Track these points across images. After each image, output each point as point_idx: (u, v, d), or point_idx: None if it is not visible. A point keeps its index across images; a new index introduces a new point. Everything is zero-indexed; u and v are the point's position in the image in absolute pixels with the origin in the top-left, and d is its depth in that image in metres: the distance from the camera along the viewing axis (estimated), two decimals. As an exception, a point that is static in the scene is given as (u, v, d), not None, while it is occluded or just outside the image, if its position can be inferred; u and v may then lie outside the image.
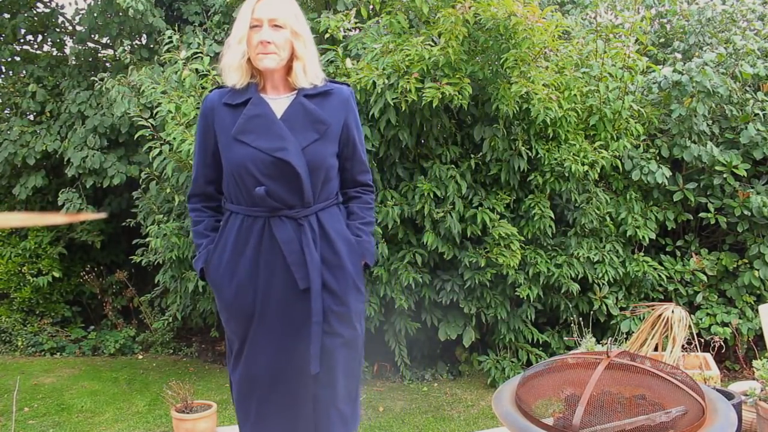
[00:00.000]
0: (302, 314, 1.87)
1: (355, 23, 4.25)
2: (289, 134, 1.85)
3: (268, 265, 1.87)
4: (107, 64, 6.36)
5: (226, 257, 1.90)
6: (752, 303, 4.24)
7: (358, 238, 1.98)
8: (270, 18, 1.82)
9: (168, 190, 4.57)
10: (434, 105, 3.68)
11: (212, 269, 1.93)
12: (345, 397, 1.95)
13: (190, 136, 3.94)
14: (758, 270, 4.22)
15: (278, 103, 1.90)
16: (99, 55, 6.51)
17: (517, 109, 3.88)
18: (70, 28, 6.66)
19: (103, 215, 1.78)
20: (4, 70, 6.53)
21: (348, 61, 3.99)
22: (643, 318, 3.26)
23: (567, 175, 4.03)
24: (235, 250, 1.89)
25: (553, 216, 4.12)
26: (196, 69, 4.17)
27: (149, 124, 4.34)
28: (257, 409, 1.90)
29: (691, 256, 4.39)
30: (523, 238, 4.07)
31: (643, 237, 4.24)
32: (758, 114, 4.38)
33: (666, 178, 4.25)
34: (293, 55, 1.86)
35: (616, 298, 4.25)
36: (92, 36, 6.18)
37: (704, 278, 4.28)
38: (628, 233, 4.27)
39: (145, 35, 6.11)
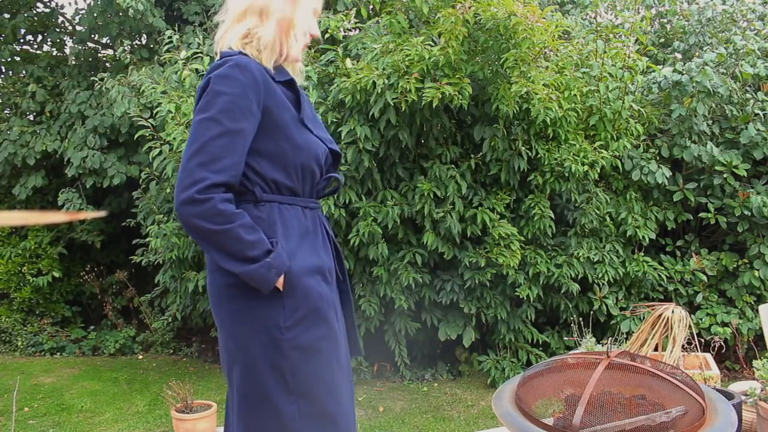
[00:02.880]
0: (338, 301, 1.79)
1: (355, 23, 4.25)
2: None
3: (328, 255, 1.71)
4: (107, 64, 6.37)
5: (304, 251, 1.64)
6: (752, 303, 4.24)
7: None
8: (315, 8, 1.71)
9: (168, 190, 4.57)
10: (434, 105, 3.68)
11: (295, 267, 1.60)
12: None
13: (190, 136, 3.93)
14: (758, 270, 4.22)
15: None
16: (99, 55, 6.52)
17: (517, 109, 3.88)
18: (70, 28, 6.67)
19: (102, 213, 1.57)
20: (4, 70, 6.53)
21: (348, 61, 3.99)
22: (643, 318, 3.26)
23: (567, 175, 4.03)
24: (305, 242, 1.65)
25: (553, 216, 4.12)
26: (196, 69, 4.17)
27: (149, 124, 4.34)
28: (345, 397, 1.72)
29: (691, 256, 4.39)
30: (523, 238, 4.07)
31: (643, 237, 4.24)
32: (758, 114, 4.38)
33: (666, 178, 4.25)
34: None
35: (616, 298, 4.25)
36: (92, 36, 6.18)
37: (704, 278, 4.28)
38: (628, 233, 4.27)
39: (145, 35, 6.11)
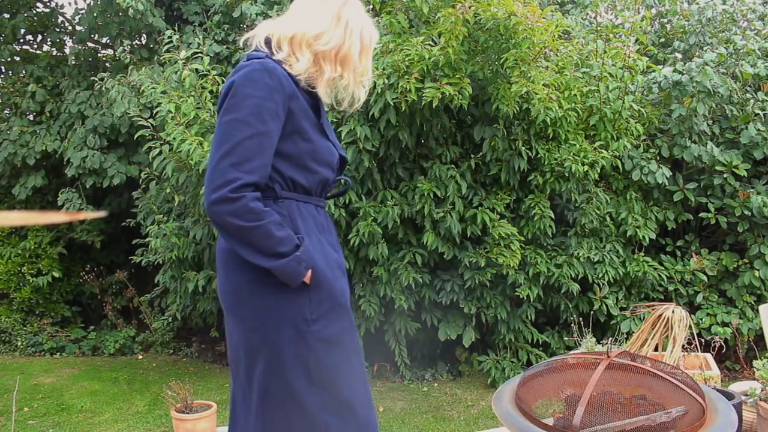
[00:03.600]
0: None
1: (355, 23, 4.24)
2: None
3: (340, 252, 1.81)
4: (107, 64, 6.37)
5: (325, 247, 1.72)
6: (752, 303, 4.24)
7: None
8: None
9: (168, 190, 4.57)
10: (434, 105, 3.68)
11: (319, 261, 1.66)
12: None
13: (190, 136, 3.94)
14: (758, 270, 4.22)
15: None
16: (99, 55, 6.52)
17: (517, 109, 3.88)
18: (70, 28, 6.66)
19: (102, 214, 1.58)
20: (3, 70, 6.53)
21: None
22: (644, 318, 3.26)
23: (567, 175, 4.03)
24: (323, 238, 1.74)
25: (553, 216, 4.12)
26: (196, 69, 4.17)
27: (149, 124, 4.34)
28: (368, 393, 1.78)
29: (692, 256, 4.39)
30: (523, 238, 4.07)
31: (644, 237, 4.23)
32: (758, 114, 4.38)
33: (666, 178, 4.24)
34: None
35: (617, 298, 4.25)
36: (92, 36, 6.18)
37: (704, 278, 4.28)
38: (629, 233, 4.26)
39: (145, 35, 6.11)
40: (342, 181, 1.88)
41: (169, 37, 4.38)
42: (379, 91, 3.77)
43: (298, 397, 1.61)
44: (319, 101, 1.76)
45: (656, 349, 2.92)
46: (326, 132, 1.76)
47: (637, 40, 4.47)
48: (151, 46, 5.94)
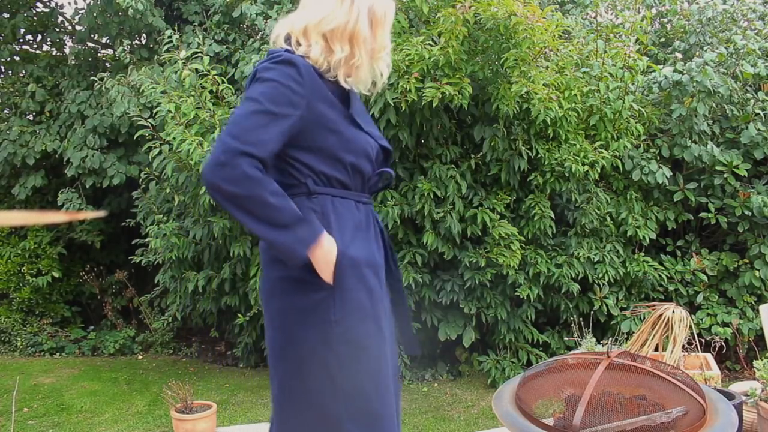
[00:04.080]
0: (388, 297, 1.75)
1: (355, 23, 4.24)
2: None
3: (379, 251, 1.71)
4: (107, 64, 6.37)
5: (358, 244, 1.64)
6: (753, 303, 4.24)
7: None
8: None
9: (168, 190, 4.57)
10: (434, 105, 3.68)
11: (348, 258, 1.61)
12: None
13: (189, 136, 3.94)
14: (759, 270, 4.21)
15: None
16: (99, 55, 6.52)
17: (518, 109, 3.88)
18: (70, 27, 6.66)
19: (102, 213, 1.57)
20: (3, 70, 6.53)
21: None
22: (644, 318, 3.26)
23: (567, 175, 4.03)
24: (359, 235, 1.66)
25: (553, 216, 4.11)
26: (196, 69, 4.17)
27: (149, 124, 4.34)
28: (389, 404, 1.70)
29: (692, 256, 4.39)
30: (523, 238, 4.06)
31: (644, 237, 4.23)
32: (759, 114, 4.38)
33: (666, 178, 4.24)
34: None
35: (617, 298, 4.25)
36: (92, 36, 6.18)
37: (705, 278, 4.28)
38: (629, 233, 4.26)
39: (144, 35, 6.11)
40: (385, 174, 1.76)
41: (169, 37, 4.37)
42: (379, 91, 3.76)
43: (321, 404, 1.55)
44: (351, 92, 1.72)
45: (656, 350, 2.92)
46: (359, 122, 1.68)
47: (637, 40, 4.47)
48: (151, 46, 5.94)
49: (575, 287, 4.08)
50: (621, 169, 4.33)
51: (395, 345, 1.77)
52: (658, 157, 4.41)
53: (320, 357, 1.56)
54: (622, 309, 4.20)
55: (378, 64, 1.70)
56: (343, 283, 1.58)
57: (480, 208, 4.06)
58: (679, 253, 4.54)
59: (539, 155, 4.07)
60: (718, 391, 2.45)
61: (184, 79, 4.12)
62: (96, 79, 5.11)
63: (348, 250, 1.59)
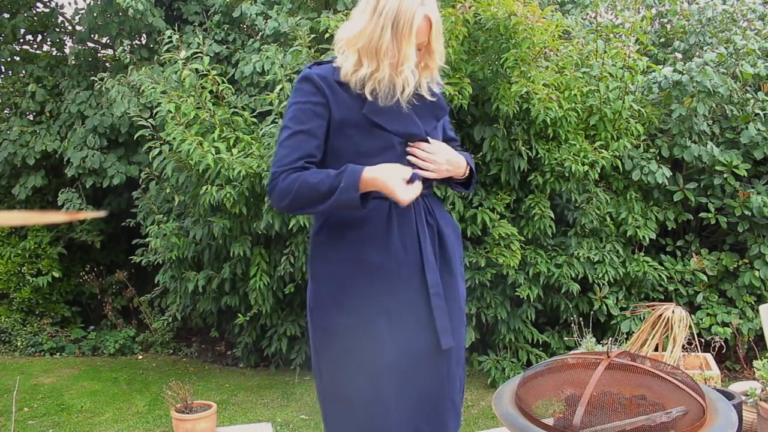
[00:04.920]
0: (419, 289, 1.76)
1: (355, 23, 4.24)
2: (417, 120, 1.77)
3: (388, 249, 1.73)
4: (107, 64, 6.37)
5: (352, 240, 1.75)
6: (753, 303, 4.24)
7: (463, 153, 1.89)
8: (420, 44, 1.73)
9: (168, 190, 4.57)
10: (434, 105, 3.67)
11: (326, 255, 1.77)
12: (458, 389, 1.86)
13: (190, 136, 3.94)
14: (759, 270, 4.22)
15: None
16: (99, 55, 6.52)
17: (517, 109, 3.88)
18: (70, 27, 6.66)
19: (102, 214, 1.62)
20: (3, 70, 6.53)
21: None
22: (644, 318, 3.26)
23: (567, 175, 4.03)
24: (363, 232, 1.75)
25: (553, 216, 4.11)
26: (196, 69, 4.17)
27: (149, 124, 4.34)
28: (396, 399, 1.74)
29: (692, 256, 4.39)
30: (523, 238, 4.07)
31: (644, 237, 4.23)
32: (759, 114, 4.38)
33: (666, 178, 4.24)
34: (423, 66, 1.78)
35: (617, 298, 4.25)
36: (92, 36, 6.18)
37: (704, 278, 4.28)
38: (629, 233, 4.26)
39: (144, 35, 6.11)
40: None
41: (169, 37, 4.37)
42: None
43: (315, 380, 1.84)
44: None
45: (656, 349, 2.92)
46: (377, 122, 1.72)
47: (637, 40, 4.46)
48: (151, 46, 5.94)
49: (575, 287, 4.08)
50: (621, 169, 4.33)
51: (438, 361, 1.75)
52: (658, 157, 4.41)
53: (312, 340, 1.82)
54: (622, 309, 4.20)
55: (401, 76, 1.70)
56: (317, 275, 1.79)
57: (480, 208, 4.06)
58: (679, 253, 4.54)
59: (539, 155, 4.07)
60: (718, 391, 2.45)
61: (184, 79, 4.12)
62: (96, 79, 5.11)
63: (322, 246, 1.77)
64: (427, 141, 1.77)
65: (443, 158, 1.78)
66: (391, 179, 1.64)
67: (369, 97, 1.71)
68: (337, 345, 1.74)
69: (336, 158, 1.73)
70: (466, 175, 1.89)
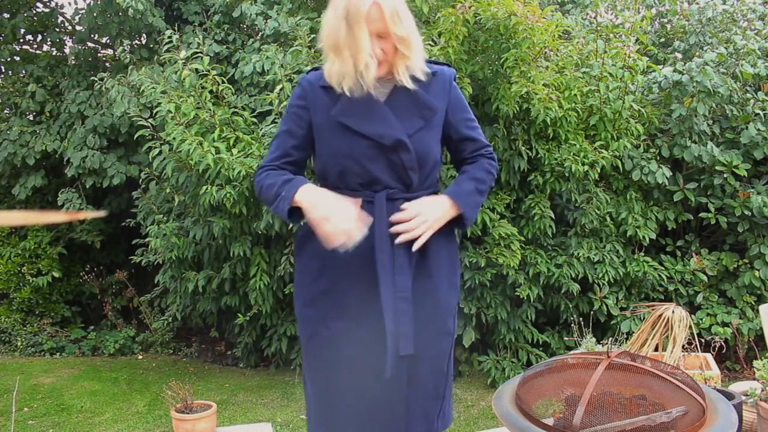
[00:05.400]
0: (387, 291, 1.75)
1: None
2: (395, 120, 1.75)
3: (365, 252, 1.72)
4: (107, 64, 6.36)
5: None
6: (753, 303, 4.24)
7: (455, 187, 1.85)
8: (378, 31, 1.69)
9: (168, 190, 4.57)
10: (434, 105, 3.67)
11: (303, 254, 1.83)
12: (432, 394, 1.83)
13: (189, 136, 3.94)
14: (759, 270, 4.22)
15: (380, 86, 1.78)
16: (99, 55, 6.51)
17: (517, 109, 3.88)
18: (70, 27, 6.66)
19: (102, 213, 1.64)
20: (3, 70, 6.53)
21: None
22: (644, 318, 3.26)
23: (567, 175, 4.03)
24: None
25: (553, 216, 4.11)
26: (196, 69, 4.17)
27: (149, 124, 4.34)
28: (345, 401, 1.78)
29: (692, 256, 4.39)
30: (523, 238, 4.06)
31: (644, 237, 4.23)
32: (759, 114, 4.38)
33: (666, 178, 4.24)
34: (399, 55, 1.74)
35: (617, 298, 4.25)
36: (92, 36, 6.18)
37: (704, 278, 4.28)
38: (629, 233, 4.26)
39: (144, 35, 6.11)
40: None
41: (169, 37, 4.37)
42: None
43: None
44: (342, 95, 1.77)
45: (656, 349, 2.92)
46: (349, 124, 1.74)
47: (637, 40, 4.46)
48: (151, 46, 5.94)
49: (575, 287, 4.08)
50: (621, 169, 4.33)
51: (401, 366, 1.74)
52: (658, 157, 4.41)
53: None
54: (622, 309, 4.20)
55: (360, 65, 1.70)
56: (294, 267, 1.92)
57: (480, 208, 4.05)
58: (679, 253, 4.54)
59: (539, 155, 4.07)
60: (718, 391, 2.45)
61: (184, 79, 4.12)
62: (96, 79, 5.11)
63: (301, 239, 1.84)
64: (402, 143, 1.73)
65: (422, 219, 1.73)
66: (319, 212, 1.66)
67: (347, 94, 1.73)
68: (302, 335, 1.83)
69: (318, 160, 1.82)
70: (459, 214, 1.83)
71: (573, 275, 4.10)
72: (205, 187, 3.99)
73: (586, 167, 3.97)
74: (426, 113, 1.79)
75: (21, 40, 6.62)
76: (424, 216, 1.74)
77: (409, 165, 1.75)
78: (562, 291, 4.12)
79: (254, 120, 4.38)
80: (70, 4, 10.86)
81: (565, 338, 4.25)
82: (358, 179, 1.76)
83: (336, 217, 1.64)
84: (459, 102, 1.87)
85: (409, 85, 1.76)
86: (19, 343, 5.72)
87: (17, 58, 6.40)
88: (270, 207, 1.79)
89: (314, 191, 1.71)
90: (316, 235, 1.69)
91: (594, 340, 3.36)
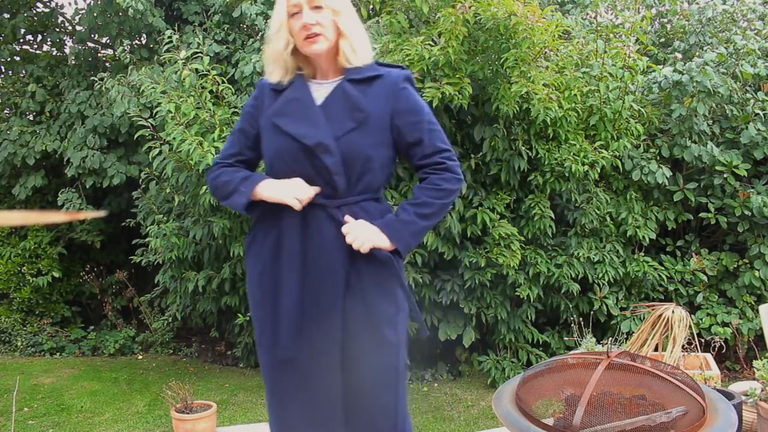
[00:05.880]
0: (327, 306, 1.75)
1: (355, 23, 4.24)
2: (322, 121, 1.73)
3: (305, 252, 1.75)
4: (107, 64, 6.36)
5: (260, 242, 1.84)
6: (752, 303, 4.24)
7: (393, 216, 1.80)
8: (309, 2, 1.71)
9: (168, 190, 4.57)
10: (434, 105, 3.68)
11: (250, 250, 1.89)
12: (378, 409, 1.80)
13: (189, 137, 3.94)
14: (758, 270, 4.22)
15: (322, 88, 1.80)
16: (99, 55, 6.51)
17: (517, 109, 3.88)
18: (70, 27, 6.66)
19: (102, 213, 1.69)
20: (3, 70, 6.53)
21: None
22: (644, 318, 3.26)
23: (567, 175, 4.03)
24: (267, 240, 1.82)
25: (553, 216, 4.11)
26: (196, 69, 4.17)
27: (149, 124, 4.34)
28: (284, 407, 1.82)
29: (692, 256, 4.39)
30: (523, 238, 4.07)
31: (644, 237, 4.23)
32: (759, 114, 4.38)
33: (666, 178, 4.24)
34: (339, 34, 1.75)
35: (617, 298, 4.25)
36: (92, 36, 6.17)
37: (704, 278, 4.28)
38: (629, 233, 4.26)
39: (144, 35, 6.10)
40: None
41: (169, 37, 4.37)
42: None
43: None
44: (284, 95, 1.81)
45: (656, 349, 2.92)
46: (280, 124, 1.77)
47: (637, 40, 4.46)
48: (151, 46, 5.93)
49: (575, 287, 4.08)
50: (621, 169, 4.33)
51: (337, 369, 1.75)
52: (658, 157, 4.41)
53: None
54: (622, 309, 4.20)
55: (278, 46, 1.78)
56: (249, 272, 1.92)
57: (480, 208, 4.06)
58: (678, 253, 4.54)
59: (539, 155, 4.07)
60: (718, 391, 2.45)
61: (184, 79, 4.12)
62: (96, 79, 5.11)
63: (247, 252, 1.90)
64: (323, 145, 1.71)
65: (353, 237, 1.73)
66: (275, 193, 1.75)
67: (285, 83, 1.80)
68: (255, 335, 1.93)
69: (265, 159, 1.86)
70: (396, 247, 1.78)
71: (573, 275, 4.10)
72: (205, 187, 3.99)
73: (586, 167, 3.97)
74: (357, 115, 1.74)
75: (21, 40, 6.61)
76: (353, 236, 1.72)
77: (334, 169, 1.71)
78: (562, 291, 4.12)
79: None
80: (70, 4, 10.86)
81: (565, 338, 4.25)
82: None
83: (288, 188, 1.73)
84: (409, 105, 1.79)
85: (347, 63, 1.77)
86: (19, 343, 5.72)
87: (17, 58, 6.39)
88: (224, 201, 1.86)
89: (269, 182, 1.78)
90: (258, 242, 1.82)
91: (594, 340, 3.37)
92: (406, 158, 1.87)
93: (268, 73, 1.83)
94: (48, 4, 6.60)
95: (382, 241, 1.74)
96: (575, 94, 4.04)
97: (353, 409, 1.78)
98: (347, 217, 1.74)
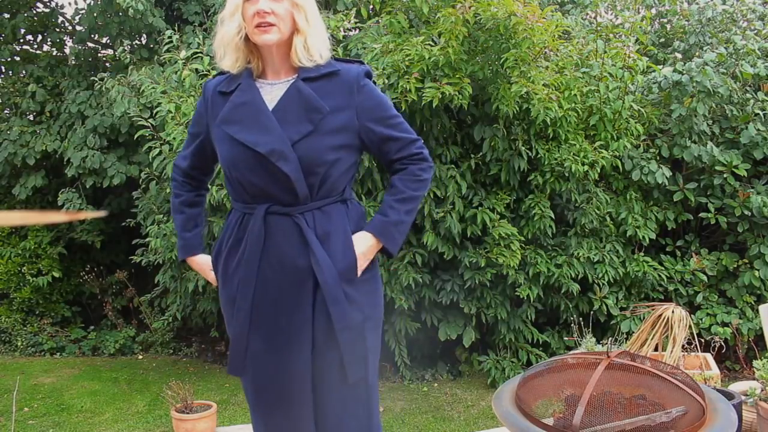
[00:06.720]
0: (300, 317, 1.70)
1: (355, 23, 4.25)
2: (276, 126, 1.62)
3: (269, 264, 1.69)
4: (107, 64, 6.36)
5: (225, 253, 1.76)
6: (752, 303, 4.24)
7: (382, 216, 1.74)
8: None
9: (168, 190, 4.57)
10: (434, 105, 3.68)
11: (216, 262, 1.82)
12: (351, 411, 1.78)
13: (190, 136, 3.94)
14: (758, 270, 4.22)
15: (275, 89, 1.69)
16: (99, 55, 6.51)
17: (517, 109, 3.88)
18: (70, 27, 6.66)
19: (102, 213, 1.65)
20: (4, 70, 6.52)
21: (348, 61, 3.99)
22: (644, 318, 3.26)
23: (567, 175, 4.03)
24: (234, 246, 1.73)
25: (553, 216, 4.12)
26: (196, 69, 4.17)
27: (149, 124, 4.34)
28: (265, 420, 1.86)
29: (692, 256, 4.39)
30: (523, 238, 4.07)
31: (644, 237, 4.23)
32: (758, 114, 4.38)
33: (666, 178, 4.24)
34: (295, 29, 1.64)
35: (617, 298, 4.25)
36: (92, 36, 6.17)
37: (704, 278, 4.28)
38: (629, 233, 4.26)
39: (145, 35, 6.10)
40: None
41: (169, 37, 4.37)
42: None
43: None
44: (231, 99, 1.70)
45: (656, 349, 2.92)
46: (227, 130, 1.68)
47: (637, 40, 4.47)
48: (151, 46, 5.93)
49: (575, 287, 4.08)
50: (621, 169, 4.33)
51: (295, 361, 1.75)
52: (658, 157, 4.42)
53: None
54: (621, 309, 4.20)
55: (231, 31, 1.66)
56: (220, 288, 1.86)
57: (480, 208, 4.06)
58: (678, 253, 4.54)
59: (539, 155, 4.08)
60: (718, 390, 2.45)
61: (184, 79, 4.12)
62: (96, 79, 5.11)
63: (214, 262, 1.84)
64: (278, 152, 1.61)
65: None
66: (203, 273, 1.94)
67: (234, 72, 1.71)
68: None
69: (222, 167, 1.76)
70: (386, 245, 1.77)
71: (573, 275, 4.10)
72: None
73: (586, 167, 3.98)
74: (314, 116, 1.64)
75: (21, 40, 6.61)
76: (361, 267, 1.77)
77: (293, 175, 1.62)
78: (562, 291, 4.12)
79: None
80: (70, 4, 10.86)
81: (565, 338, 4.25)
82: (246, 192, 1.69)
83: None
84: (372, 101, 1.70)
85: (302, 62, 1.65)
86: (19, 343, 5.72)
87: (17, 58, 6.39)
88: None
89: (194, 262, 1.94)
90: (222, 254, 1.78)
91: (594, 340, 3.37)
92: (376, 155, 1.79)
93: (218, 57, 1.70)
94: (48, 4, 6.60)
95: (374, 248, 1.77)
96: (575, 94, 4.04)
97: (324, 425, 1.75)
98: (358, 253, 1.73)
